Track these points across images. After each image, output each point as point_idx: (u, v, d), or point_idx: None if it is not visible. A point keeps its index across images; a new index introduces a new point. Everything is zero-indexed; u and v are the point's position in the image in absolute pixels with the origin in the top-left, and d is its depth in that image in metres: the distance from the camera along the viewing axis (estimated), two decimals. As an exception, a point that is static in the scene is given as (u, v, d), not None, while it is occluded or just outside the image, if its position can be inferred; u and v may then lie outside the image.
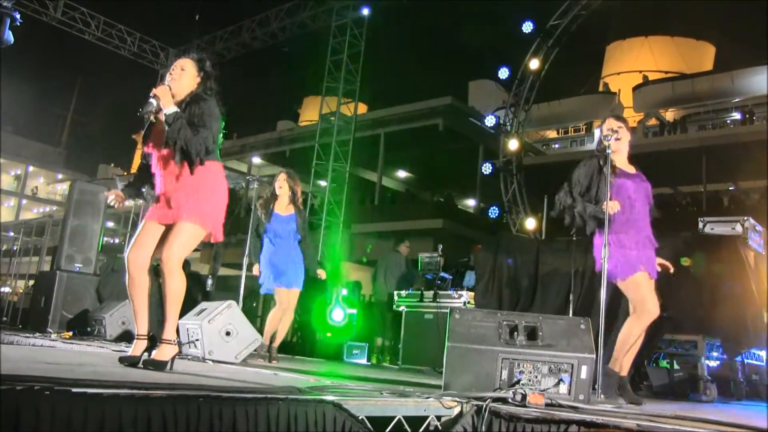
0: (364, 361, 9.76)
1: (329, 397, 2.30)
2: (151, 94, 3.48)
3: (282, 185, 6.30)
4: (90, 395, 1.79)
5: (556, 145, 35.63)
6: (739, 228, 5.99)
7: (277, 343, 6.26)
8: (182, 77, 3.63)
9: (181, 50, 4.31)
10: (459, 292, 8.15)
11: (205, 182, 3.54)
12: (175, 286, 3.49)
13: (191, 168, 3.47)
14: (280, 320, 6.26)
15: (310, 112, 38.63)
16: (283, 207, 6.30)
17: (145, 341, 3.57)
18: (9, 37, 4.31)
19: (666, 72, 35.56)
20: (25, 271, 22.86)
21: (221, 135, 3.64)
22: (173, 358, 3.51)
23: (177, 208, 3.51)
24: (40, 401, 1.67)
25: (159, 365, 3.38)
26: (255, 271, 6.43)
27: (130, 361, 3.48)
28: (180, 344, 3.57)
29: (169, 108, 3.44)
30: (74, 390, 1.77)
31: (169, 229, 3.56)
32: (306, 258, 6.29)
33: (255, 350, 5.90)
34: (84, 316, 8.54)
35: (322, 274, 6.39)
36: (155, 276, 3.63)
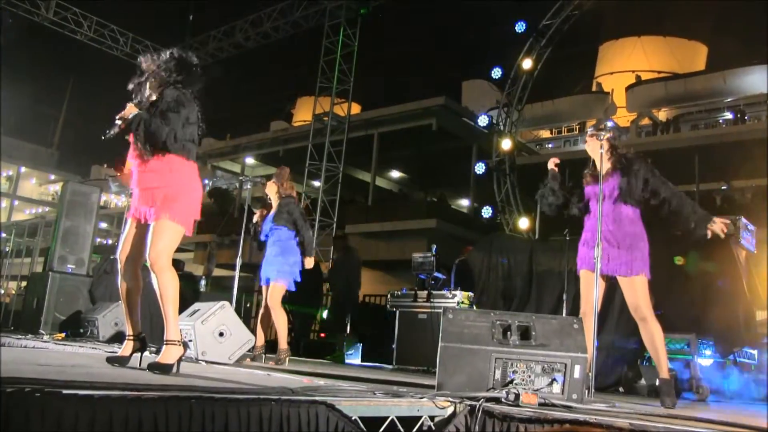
0: (358, 361, 9.75)
1: (322, 398, 2.29)
2: (117, 118, 3.53)
3: (269, 190, 6.31)
4: (81, 397, 1.77)
5: (550, 145, 35.65)
6: (731, 227, 6.01)
7: (281, 345, 6.11)
8: (155, 86, 3.64)
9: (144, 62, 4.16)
10: (453, 292, 8.17)
11: (179, 181, 3.53)
12: (169, 285, 3.45)
13: (161, 151, 3.48)
14: (263, 318, 6.22)
15: (303, 113, 38.59)
16: (275, 207, 6.29)
17: (136, 342, 3.57)
18: None
19: (658, 72, 35.67)
20: (17, 273, 22.77)
21: (197, 131, 3.63)
22: (179, 360, 3.43)
23: (154, 206, 3.50)
24: (31, 403, 1.66)
25: (165, 368, 3.29)
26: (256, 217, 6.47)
27: (118, 362, 3.47)
28: (186, 345, 3.53)
29: (131, 114, 3.50)
30: (65, 392, 1.76)
31: (147, 229, 3.55)
32: (301, 245, 6.19)
33: (250, 351, 5.89)
34: (77, 317, 8.51)
35: (308, 262, 6.17)
36: (142, 277, 3.63)
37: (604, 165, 4.36)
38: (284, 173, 6.39)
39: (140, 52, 20.17)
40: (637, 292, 4.11)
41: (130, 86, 3.68)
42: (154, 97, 3.62)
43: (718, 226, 4.19)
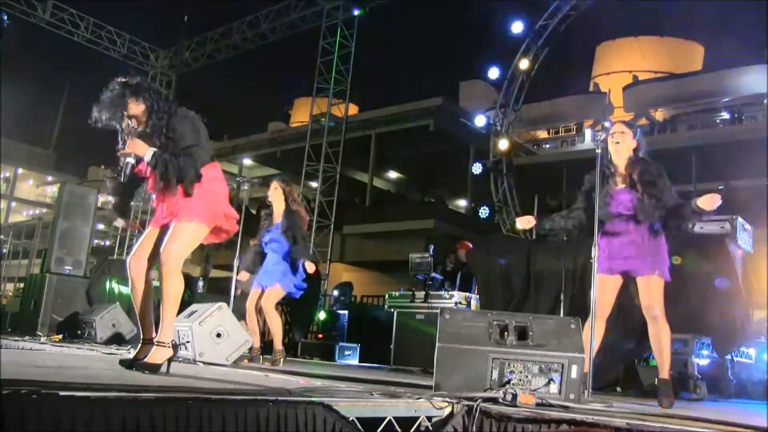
0: (356, 362, 9.75)
1: (319, 399, 2.29)
2: (124, 154, 3.45)
3: (273, 193, 6.24)
4: (78, 398, 1.77)
5: (547, 146, 35.70)
6: (728, 227, 6.03)
7: (276, 346, 6.15)
8: (137, 120, 3.53)
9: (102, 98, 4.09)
10: (450, 293, 8.17)
11: (199, 183, 3.51)
12: (173, 288, 3.46)
13: (188, 190, 3.45)
14: (254, 321, 6.18)
15: (300, 114, 38.61)
16: (279, 214, 6.22)
17: (150, 345, 3.51)
18: None
19: (655, 72, 35.74)
20: (14, 274, 22.74)
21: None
22: (169, 361, 3.45)
23: (172, 208, 3.49)
24: (28, 405, 1.66)
25: (152, 368, 3.32)
26: (241, 276, 6.49)
27: (131, 365, 3.44)
28: (176, 347, 3.53)
29: (147, 153, 3.41)
30: (62, 393, 1.76)
31: (165, 230, 3.54)
32: (293, 251, 6.10)
33: (248, 351, 5.90)
34: (74, 318, 8.50)
35: (310, 267, 6.12)
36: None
37: (621, 165, 4.32)
38: (293, 187, 6.36)
39: (137, 53, 20.22)
40: (652, 291, 4.13)
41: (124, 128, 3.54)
42: (146, 125, 3.52)
43: (705, 201, 3.98)
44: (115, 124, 3.52)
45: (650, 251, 4.15)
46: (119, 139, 3.54)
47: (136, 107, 3.51)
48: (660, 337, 4.15)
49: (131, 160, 3.46)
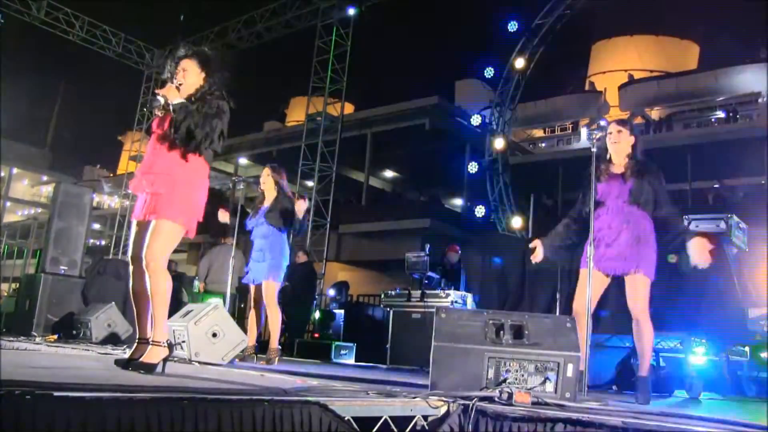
0: (351, 361, 9.75)
1: (315, 398, 2.29)
2: (158, 94, 3.54)
3: (265, 180, 6.23)
4: (72, 399, 1.77)
5: (543, 144, 35.76)
6: (723, 225, 6.04)
7: (272, 345, 6.13)
8: (186, 78, 3.65)
9: (175, 50, 4.21)
10: (446, 292, 8.17)
11: (185, 178, 3.51)
12: (161, 287, 3.44)
13: (190, 150, 3.49)
14: (254, 318, 6.17)
15: (296, 113, 38.61)
16: (269, 201, 6.18)
17: (146, 345, 3.49)
18: None
19: (651, 71, 35.82)
20: (9, 274, 22.67)
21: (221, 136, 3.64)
22: (164, 361, 3.43)
23: (154, 204, 3.47)
24: (22, 406, 1.65)
25: (148, 368, 3.30)
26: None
27: (125, 364, 3.44)
28: (171, 346, 3.51)
29: (176, 100, 3.50)
30: (56, 394, 1.76)
31: (146, 226, 3.53)
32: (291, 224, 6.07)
33: (241, 351, 5.88)
34: (69, 318, 8.47)
35: (300, 206, 6.06)
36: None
37: (621, 162, 4.34)
38: (283, 173, 6.33)
39: (132, 53, 20.17)
40: (637, 290, 4.14)
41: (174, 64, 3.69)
42: (189, 92, 3.62)
43: (696, 251, 4.08)
44: (170, 67, 3.69)
45: (635, 250, 4.15)
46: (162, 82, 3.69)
47: (191, 68, 3.66)
48: (643, 338, 4.20)
49: (161, 100, 3.53)
